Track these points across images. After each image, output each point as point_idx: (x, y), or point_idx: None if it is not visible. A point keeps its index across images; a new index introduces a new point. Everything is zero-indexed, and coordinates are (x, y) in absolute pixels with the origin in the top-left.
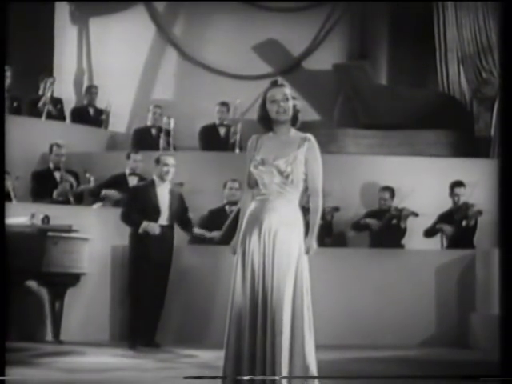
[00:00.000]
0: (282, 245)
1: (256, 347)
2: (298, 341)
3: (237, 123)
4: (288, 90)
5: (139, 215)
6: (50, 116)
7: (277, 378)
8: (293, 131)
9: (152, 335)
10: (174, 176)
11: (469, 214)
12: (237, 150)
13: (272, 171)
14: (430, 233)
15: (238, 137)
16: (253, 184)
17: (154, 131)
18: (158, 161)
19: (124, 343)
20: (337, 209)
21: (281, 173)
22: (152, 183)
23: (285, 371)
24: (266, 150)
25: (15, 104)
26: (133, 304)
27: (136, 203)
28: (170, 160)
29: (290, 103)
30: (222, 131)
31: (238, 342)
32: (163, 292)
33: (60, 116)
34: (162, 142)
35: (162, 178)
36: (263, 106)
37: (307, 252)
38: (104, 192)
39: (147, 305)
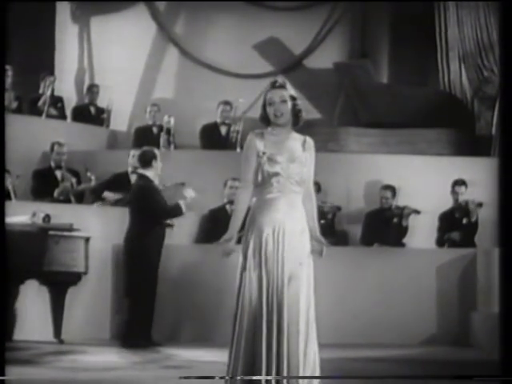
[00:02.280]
0: (295, 244)
1: (272, 346)
2: (307, 339)
3: (237, 122)
4: (286, 92)
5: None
6: (50, 115)
7: (274, 377)
8: (293, 132)
9: (147, 333)
10: (175, 175)
11: (469, 208)
12: (238, 149)
13: (288, 171)
14: (440, 243)
15: (239, 135)
16: (264, 182)
17: (155, 130)
18: (155, 157)
19: (123, 342)
20: (339, 208)
21: (296, 173)
22: (149, 180)
23: (302, 370)
24: (275, 148)
25: (16, 103)
26: (128, 303)
27: (146, 201)
28: (158, 152)
29: (288, 105)
30: (223, 130)
31: (251, 341)
32: (154, 290)
33: (61, 115)
34: (162, 140)
35: (158, 175)
36: (264, 107)
37: (320, 253)
38: (104, 194)
39: (142, 304)
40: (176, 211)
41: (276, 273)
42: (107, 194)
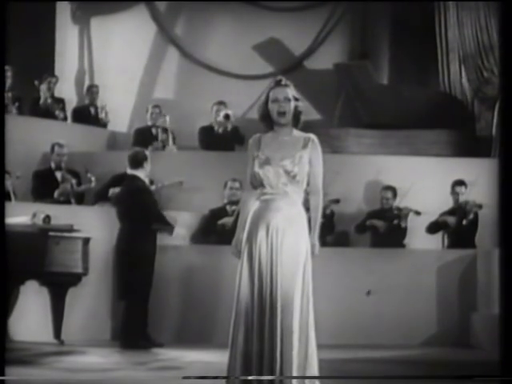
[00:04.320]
0: (290, 244)
1: (264, 346)
2: (302, 340)
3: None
4: (290, 91)
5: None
6: (52, 116)
7: (275, 377)
8: (295, 131)
9: (144, 334)
10: (175, 176)
11: (468, 208)
12: (236, 149)
13: (279, 171)
14: (432, 228)
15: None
16: (257, 184)
17: (154, 131)
18: (146, 158)
19: (121, 343)
20: (337, 201)
21: (288, 173)
22: (144, 182)
23: (295, 371)
24: (270, 149)
25: (16, 104)
26: (123, 304)
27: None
28: (147, 154)
29: (292, 104)
30: (220, 130)
31: (246, 341)
32: (148, 291)
33: (62, 116)
34: (157, 142)
35: (147, 176)
36: (265, 104)
37: (312, 252)
38: (112, 191)
39: (136, 305)
40: (165, 227)
41: (270, 275)
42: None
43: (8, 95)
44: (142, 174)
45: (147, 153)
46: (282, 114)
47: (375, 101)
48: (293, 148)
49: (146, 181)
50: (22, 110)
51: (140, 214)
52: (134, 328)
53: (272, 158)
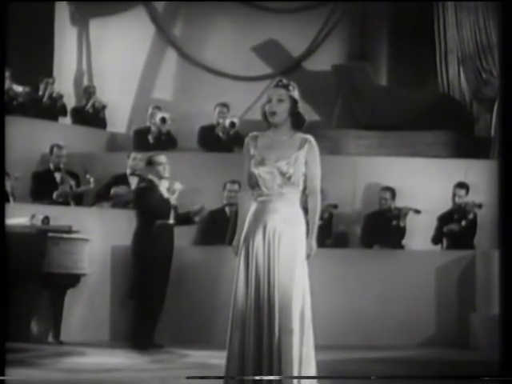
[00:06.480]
0: (287, 245)
1: (262, 347)
2: (300, 340)
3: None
4: (286, 92)
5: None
6: (51, 116)
7: (276, 377)
8: (292, 132)
9: (151, 335)
10: (174, 177)
11: (468, 208)
12: (235, 150)
13: (273, 172)
14: (437, 239)
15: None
16: (253, 184)
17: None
18: (150, 162)
19: (125, 343)
20: (335, 206)
21: (283, 174)
22: (152, 183)
23: (295, 371)
24: (266, 149)
25: (15, 104)
26: (136, 305)
27: (146, 204)
28: (163, 158)
29: (285, 105)
30: (221, 132)
31: (242, 342)
32: (164, 292)
33: (62, 113)
34: (151, 138)
35: (161, 177)
36: (264, 104)
37: (308, 254)
38: (113, 190)
39: (149, 305)
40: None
41: (267, 275)
42: (117, 189)
43: (7, 96)
44: (150, 175)
45: (152, 157)
46: (272, 114)
47: (374, 102)
48: (289, 149)
49: (156, 180)
50: (21, 111)
51: (151, 212)
52: (142, 329)
53: (267, 158)
